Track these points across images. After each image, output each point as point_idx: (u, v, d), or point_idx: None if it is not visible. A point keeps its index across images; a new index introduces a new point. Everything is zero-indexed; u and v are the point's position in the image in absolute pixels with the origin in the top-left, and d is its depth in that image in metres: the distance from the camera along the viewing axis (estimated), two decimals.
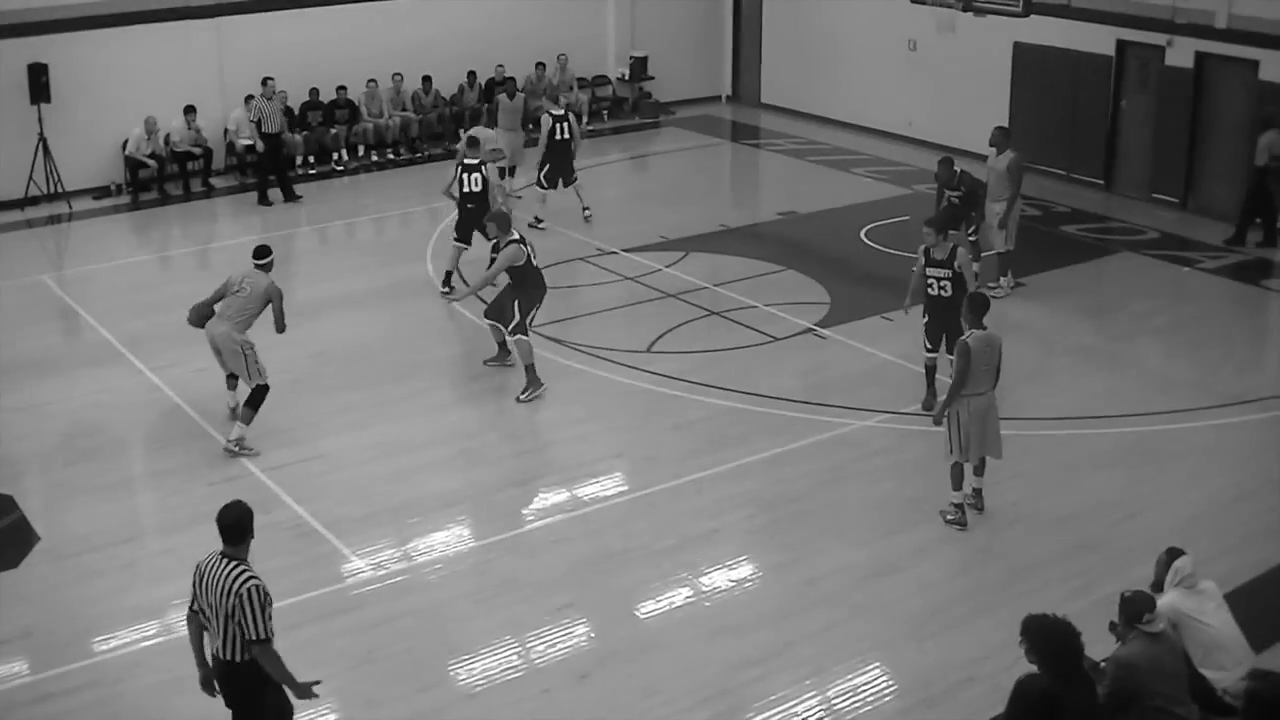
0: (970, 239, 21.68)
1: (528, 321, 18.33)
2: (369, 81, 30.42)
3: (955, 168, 21.59)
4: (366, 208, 27.14)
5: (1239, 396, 18.37)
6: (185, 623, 10.42)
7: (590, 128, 32.96)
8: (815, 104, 34.03)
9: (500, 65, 31.88)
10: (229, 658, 9.89)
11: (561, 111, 25.50)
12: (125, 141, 27.85)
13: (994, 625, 12.75)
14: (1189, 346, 20.29)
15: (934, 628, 13.13)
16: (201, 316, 17.09)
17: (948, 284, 17.06)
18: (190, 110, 28.09)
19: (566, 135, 25.15)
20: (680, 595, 13.70)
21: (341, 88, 29.93)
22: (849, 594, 13.72)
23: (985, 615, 13.20)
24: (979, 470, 15.11)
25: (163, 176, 28.09)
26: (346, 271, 23.52)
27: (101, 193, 28.03)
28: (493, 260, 18.96)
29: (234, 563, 9.86)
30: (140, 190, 27.96)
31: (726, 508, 15.37)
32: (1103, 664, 10.33)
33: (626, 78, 34.42)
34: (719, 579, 14.03)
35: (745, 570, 14.31)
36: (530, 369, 18.35)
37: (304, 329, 20.08)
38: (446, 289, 22.21)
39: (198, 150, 28.29)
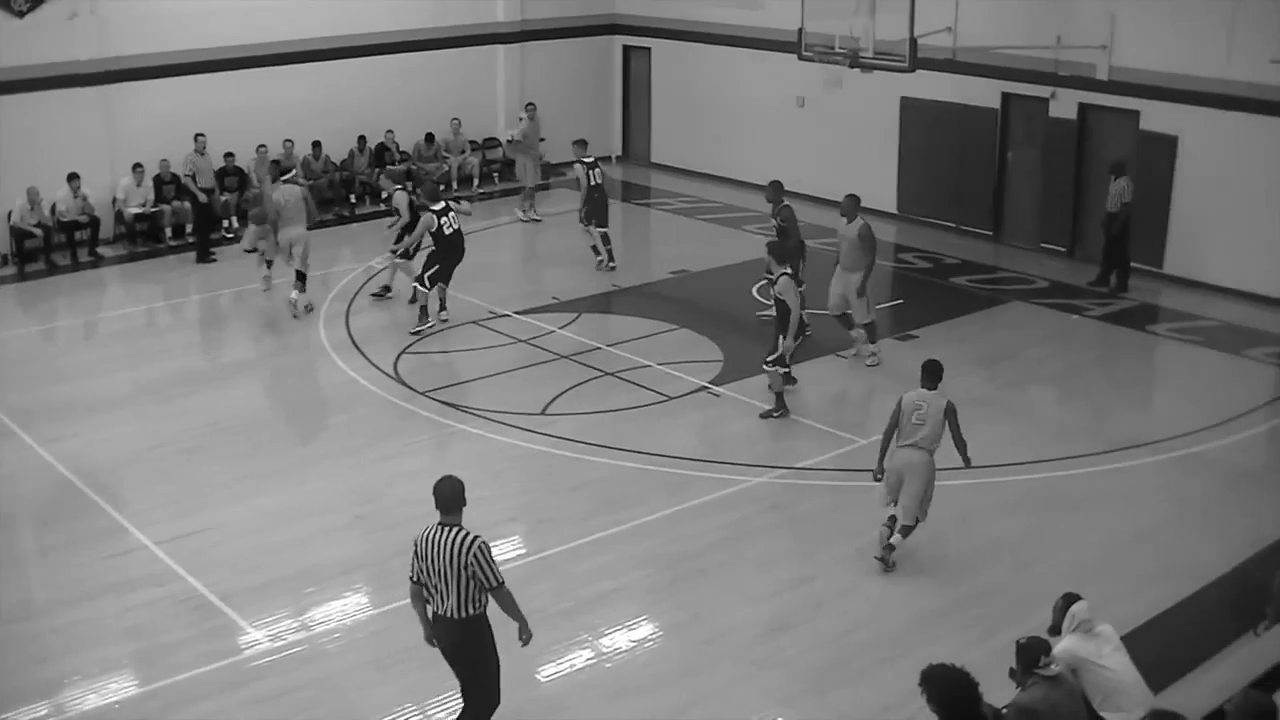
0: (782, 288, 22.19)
1: (427, 277, 22.75)
2: (259, 148, 30.19)
3: (783, 197, 22.33)
4: (256, 275, 26.94)
5: (1130, 441, 18.60)
6: (410, 595, 11.47)
7: (481, 190, 33.03)
8: (705, 162, 34.25)
9: (390, 131, 31.86)
10: (459, 615, 11.12)
11: (591, 159, 27.01)
12: (10, 212, 27.44)
13: (896, 676, 12.74)
14: (1080, 393, 20.52)
15: (836, 681, 13.13)
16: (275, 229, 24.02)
17: (773, 307, 19.31)
18: (74, 178, 27.72)
19: (599, 181, 26.82)
20: (581, 657, 13.62)
21: (229, 154, 29.71)
22: (750, 650, 13.69)
23: (887, 666, 13.21)
24: (899, 527, 15.09)
25: (49, 247, 27.65)
26: (239, 339, 23.34)
27: None
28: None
29: (455, 529, 11.05)
30: (26, 261, 27.50)
31: (625, 568, 15.32)
32: (1004, 710, 10.34)
33: (515, 139, 34.40)
34: (620, 640, 13.97)
35: (646, 630, 14.26)
36: (423, 309, 22.91)
37: (197, 398, 20.01)
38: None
39: (84, 219, 27.96)
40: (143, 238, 28.77)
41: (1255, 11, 23.65)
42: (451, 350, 22.22)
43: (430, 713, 12.72)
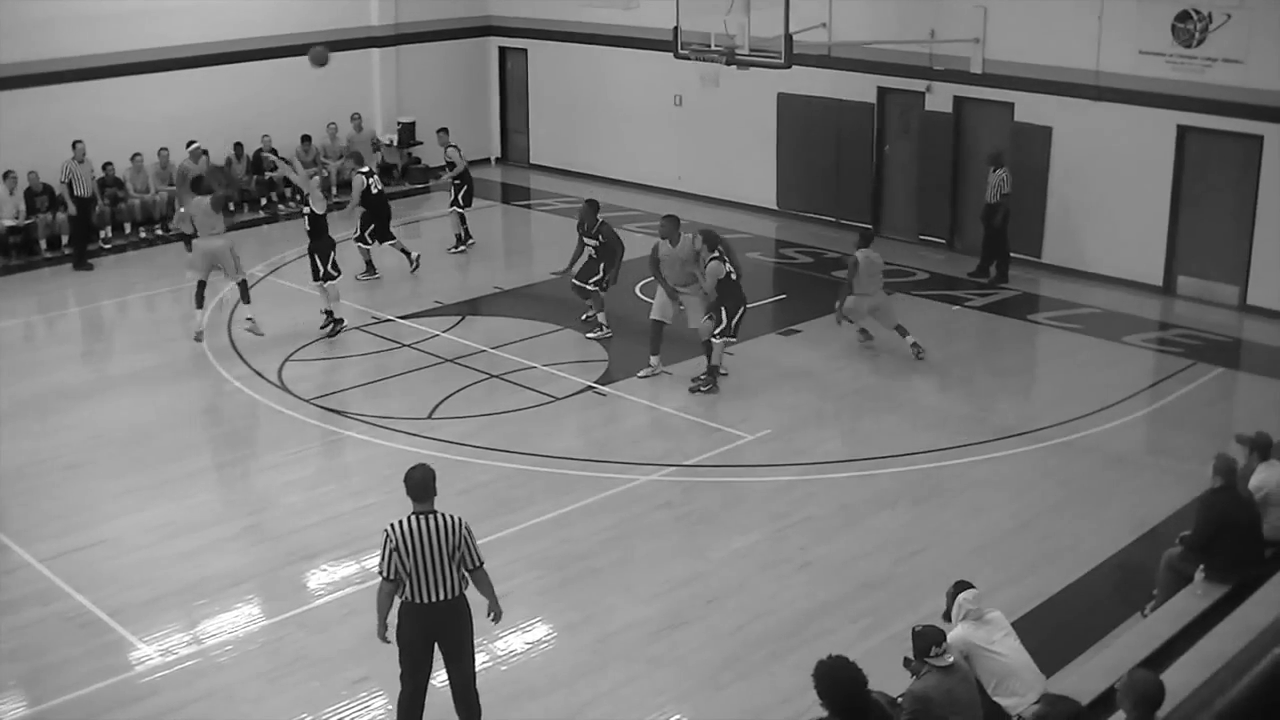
0: (595, 288, 22.64)
1: (368, 234, 25.81)
2: (134, 156, 29.80)
3: (599, 215, 22.56)
4: (135, 286, 26.57)
5: (1012, 429, 18.81)
6: (379, 591, 11.39)
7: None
8: (584, 163, 34.22)
9: (266, 135, 31.54)
10: (454, 595, 11.28)
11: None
12: None
13: (789, 670, 12.78)
14: (961, 383, 20.73)
15: (730, 677, 13.14)
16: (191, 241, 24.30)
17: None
18: None
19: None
20: (476, 661, 13.50)
21: (108, 164, 29.25)
22: (643, 649, 13.68)
23: (779, 661, 13.26)
24: (903, 334, 21.09)
25: None
26: (119, 351, 23.01)
27: None
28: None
29: (437, 514, 11.19)
30: None
31: (516, 570, 15.24)
32: (900, 699, 10.40)
33: (395, 144, 34.27)
34: (513, 642, 13.90)
35: (539, 632, 14.21)
36: (369, 265, 26.10)
37: (77, 412, 19.72)
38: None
39: None
40: (17, 250, 28.24)
41: (1123, 4, 24.02)
42: (335, 356, 22.05)
43: None
